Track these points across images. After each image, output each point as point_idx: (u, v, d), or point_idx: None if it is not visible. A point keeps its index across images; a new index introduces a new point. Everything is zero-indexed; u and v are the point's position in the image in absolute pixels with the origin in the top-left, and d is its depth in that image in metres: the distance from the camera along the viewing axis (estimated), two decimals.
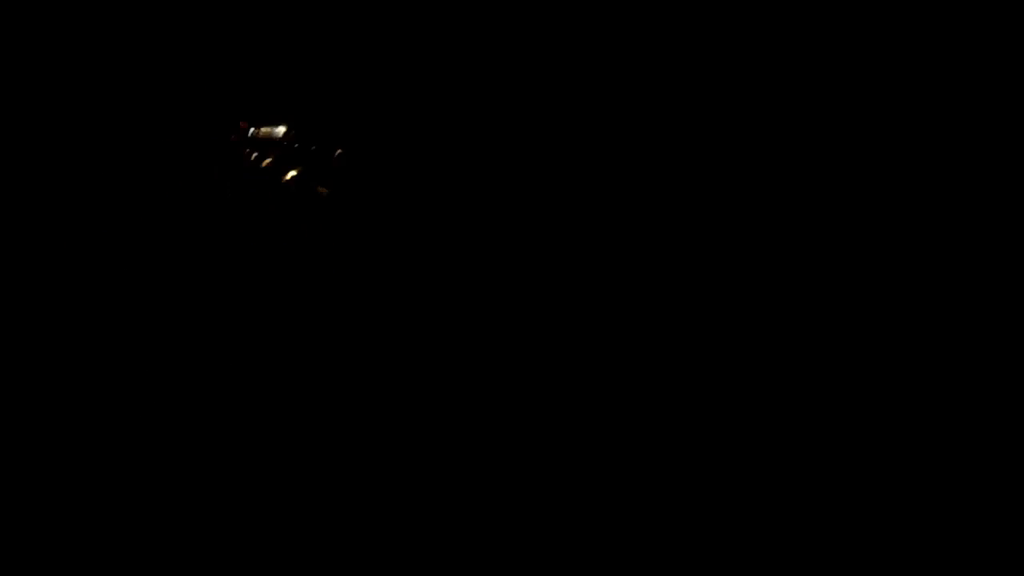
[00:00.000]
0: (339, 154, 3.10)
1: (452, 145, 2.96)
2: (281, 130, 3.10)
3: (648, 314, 1.95)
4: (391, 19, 3.10)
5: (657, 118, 1.95)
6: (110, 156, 3.07)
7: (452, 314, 2.45)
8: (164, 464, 1.79)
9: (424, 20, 3.02)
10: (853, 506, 1.46)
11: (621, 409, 1.89)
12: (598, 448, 1.80)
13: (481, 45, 2.84)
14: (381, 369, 2.26)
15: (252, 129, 3.12)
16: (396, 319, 2.56)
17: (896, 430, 1.51)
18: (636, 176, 2.12)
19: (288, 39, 3.05)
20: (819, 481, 1.52)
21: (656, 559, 1.47)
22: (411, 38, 3.03)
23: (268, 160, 3.25)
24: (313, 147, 3.29)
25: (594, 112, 2.24)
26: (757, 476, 1.58)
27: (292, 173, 3.24)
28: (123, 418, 1.98)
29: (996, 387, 1.40)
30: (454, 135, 2.95)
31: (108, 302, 2.66)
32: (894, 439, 1.51)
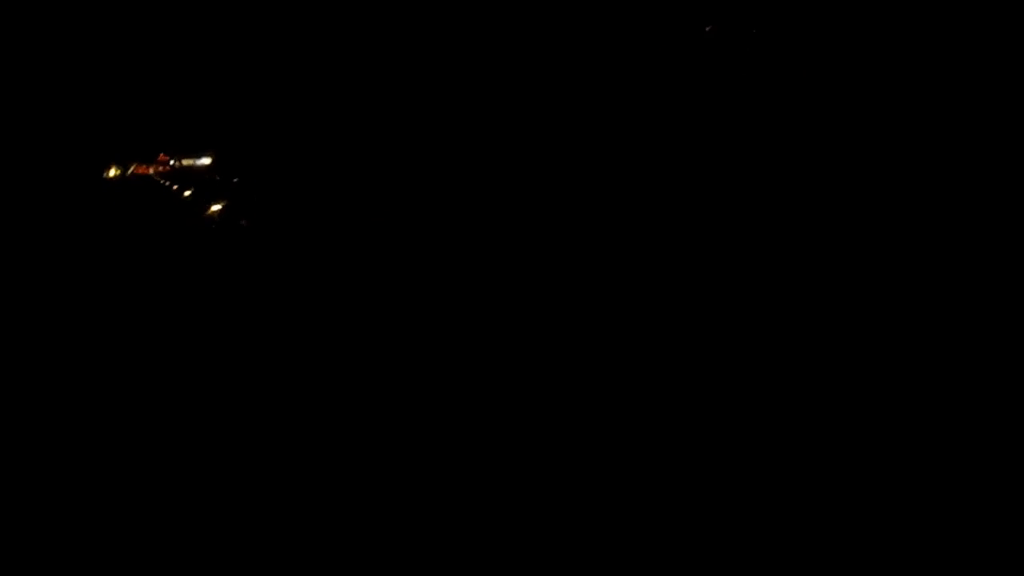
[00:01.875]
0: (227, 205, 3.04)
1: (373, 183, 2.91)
2: (205, 161, 3.00)
3: (621, 313, 1.83)
4: (320, 48, 3.08)
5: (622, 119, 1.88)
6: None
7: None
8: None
9: (348, 50, 3.00)
10: (849, 503, 1.39)
11: (616, 406, 1.81)
12: (594, 446, 1.73)
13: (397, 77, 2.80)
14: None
15: (173, 161, 2.99)
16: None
17: (892, 425, 1.46)
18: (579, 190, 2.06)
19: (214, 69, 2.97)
20: (814, 477, 1.45)
21: (654, 557, 1.39)
22: (336, 67, 3.01)
23: (188, 192, 3.12)
24: (236, 179, 3.19)
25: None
26: (754, 471, 1.51)
27: (216, 207, 3.12)
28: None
29: (991, 383, 1.34)
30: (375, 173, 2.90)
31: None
32: (891, 434, 1.45)
